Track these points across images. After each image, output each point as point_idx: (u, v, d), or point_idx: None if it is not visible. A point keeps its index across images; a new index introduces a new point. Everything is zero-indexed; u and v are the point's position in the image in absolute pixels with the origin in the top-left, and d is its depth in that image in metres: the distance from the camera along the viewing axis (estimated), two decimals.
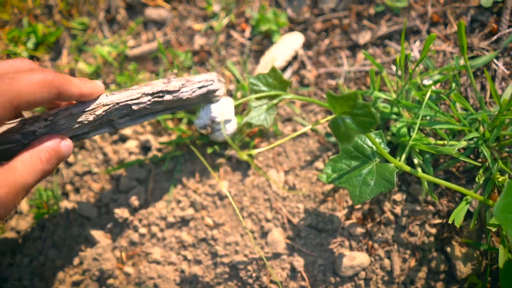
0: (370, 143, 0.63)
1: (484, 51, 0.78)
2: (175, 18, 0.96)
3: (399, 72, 0.68)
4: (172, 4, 0.97)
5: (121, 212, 0.81)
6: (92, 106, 0.59)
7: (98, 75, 0.93)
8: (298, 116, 0.85)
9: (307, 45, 0.90)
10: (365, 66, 0.85)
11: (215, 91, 0.70)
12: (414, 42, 0.84)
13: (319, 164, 0.81)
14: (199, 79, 0.68)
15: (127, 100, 0.61)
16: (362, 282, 0.72)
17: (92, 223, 0.82)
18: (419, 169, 0.68)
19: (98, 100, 0.59)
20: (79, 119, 0.58)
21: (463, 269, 0.69)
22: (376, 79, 0.76)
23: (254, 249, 0.76)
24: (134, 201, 0.82)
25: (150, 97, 0.63)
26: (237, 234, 0.78)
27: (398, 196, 0.75)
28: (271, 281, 0.74)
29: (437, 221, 0.73)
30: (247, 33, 0.93)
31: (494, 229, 0.62)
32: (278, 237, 0.76)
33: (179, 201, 0.82)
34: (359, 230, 0.75)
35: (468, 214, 0.71)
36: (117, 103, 0.60)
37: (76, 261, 0.80)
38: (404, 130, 0.71)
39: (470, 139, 0.68)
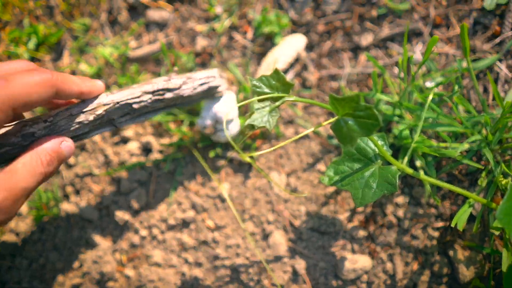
0: (372, 146, 0.62)
1: (487, 54, 0.77)
2: (177, 19, 0.96)
3: (402, 74, 0.68)
4: (174, 6, 0.97)
5: (122, 215, 0.81)
6: (92, 106, 0.58)
7: (100, 76, 0.93)
8: (300, 118, 0.85)
9: (309, 47, 0.90)
10: (367, 68, 0.85)
11: (216, 87, 0.70)
12: (417, 44, 0.84)
13: (321, 166, 0.80)
14: (200, 76, 0.67)
15: (127, 99, 0.60)
16: (364, 285, 0.71)
17: (92, 225, 0.82)
18: (422, 172, 0.68)
19: (98, 100, 0.59)
20: (79, 119, 0.57)
21: (466, 273, 0.68)
22: (378, 81, 0.76)
23: (255, 251, 0.75)
24: (135, 203, 0.81)
25: (151, 95, 0.62)
26: (238, 236, 0.77)
27: (400, 199, 0.75)
28: (273, 284, 0.74)
29: (440, 224, 0.72)
30: (249, 35, 0.92)
31: (497, 233, 0.62)
32: (280, 240, 0.75)
33: (180, 203, 0.81)
34: (362, 233, 0.74)
35: (471, 217, 0.71)
36: (118, 102, 0.60)
37: (76, 263, 0.79)
38: (407, 132, 0.70)
39: (472, 142, 0.68)
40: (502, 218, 0.48)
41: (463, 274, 0.68)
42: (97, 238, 0.80)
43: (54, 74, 0.51)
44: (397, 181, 0.58)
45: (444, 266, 0.70)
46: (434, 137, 0.74)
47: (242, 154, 0.42)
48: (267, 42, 0.91)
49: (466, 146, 0.66)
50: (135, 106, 0.61)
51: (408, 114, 0.74)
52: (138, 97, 0.61)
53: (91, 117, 0.58)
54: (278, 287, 0.73)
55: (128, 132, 0.88)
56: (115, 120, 0.62)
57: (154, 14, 0.96)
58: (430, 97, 0.65)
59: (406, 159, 0.62)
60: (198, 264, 0.77)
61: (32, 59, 0.97)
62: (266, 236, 0.77)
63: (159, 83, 0.63)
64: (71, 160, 0.87)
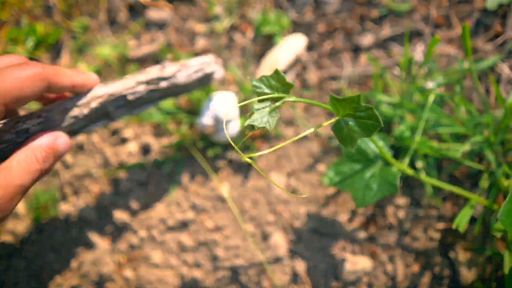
0: (373, 146, 0.62)
1: (489, 54, 0.77)
2: (176, 19, 0.95)
3: (403, 75, 0.67)
4: (174, 5, 0.96)
5: (121, 215, 0.80)
6: (86, 99, 0.57)
7: (99, 76, 0.93)
8: (300, 119, 0.84)
9: (309, 47, 0.89)
10: (368, 68, 0.85)
11: (212, 73, 0.69)
12: (418, 44, 0.83)
13: (321, 167, 0.80)
14: (195, 63, 0.67)
15: (121, 90, 0.60)
16: (365, 287, 0.71)
17: (91, 226, 0.81)
18: (423, 173, 0.67)
19: (92, 93, 0.57)
20: (74, 114, 0.56)
21: (467, 275, 0.68)
22: (379, 82, 0.75)
23: (256, 253, 0.75)
24: (134, 204, 0.81)
25: (145, 85, 0.61)
26: (238, 237, 0.77)
27: (401, 200, 0.74)
28: (273, 286, 0.73)
29: (441, 225, 0.72)
30: (249, 35, 0.92)
31: (499, 234, 0.61)
32: (280, 241, 0.75)
33: (179, 204, 0.81)
34: (362, 234, 0.74)
35: (473, 219, 0.71)
36: (112, 94, 0.59)
37: (74, 264, 0.79)
38: (407, 133, 0.70)
39: (474, 143, 0.68)
40: (504, 220, 0.48)
41: (465, 276, 0.68)
42: (96, 239, 0.80)
43: (45, 67, 0.50)
44: (398, 182, 0.58)
45: (445, 268, 0.70)
46: (435, 138, 0.73)
47: (242, 155, 0.42)
48: (267, 42, 0.90)
49: (467, 147, 0.65)
50: (130, 97, 0.60)
51: (409, 115, 0.73)
52: (133, 87, 0.60)
53: (85, 111, 0.57)
54: None
55: (127, 132, 0.87)
56: (110, 112, 0.61)
57: (153, 14, 0.96)
58: (431, 97, 0.64)
59: (407, 160, 0.62)
60: (198, 265, 0.76)
61: (30, 59, 0.97)
62: (266, 237, 0.76)
63: (153, 71, 0.62)
64: (70, 161, 0.87)
